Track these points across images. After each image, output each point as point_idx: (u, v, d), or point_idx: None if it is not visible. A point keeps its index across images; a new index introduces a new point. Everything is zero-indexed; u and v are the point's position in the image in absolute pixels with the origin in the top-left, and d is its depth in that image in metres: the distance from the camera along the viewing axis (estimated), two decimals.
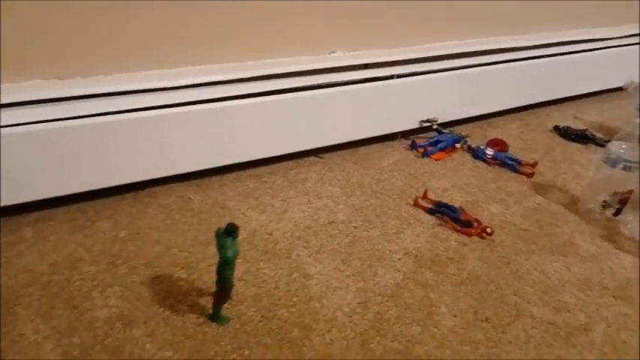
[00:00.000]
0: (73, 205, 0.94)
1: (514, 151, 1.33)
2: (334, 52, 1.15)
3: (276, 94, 1.07)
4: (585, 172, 1.31)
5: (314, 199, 1.06)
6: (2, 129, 0.81)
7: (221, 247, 0.71)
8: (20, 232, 0.87)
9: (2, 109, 0.82)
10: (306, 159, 1.19)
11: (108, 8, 0.86)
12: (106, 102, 0.90)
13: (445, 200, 1.09)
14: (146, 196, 1.00)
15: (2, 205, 0.85)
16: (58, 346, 0.69)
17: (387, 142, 1.30)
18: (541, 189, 1.21)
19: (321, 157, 1.21)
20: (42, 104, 0.84)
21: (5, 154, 0.82)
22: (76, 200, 0.94)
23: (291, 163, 1.17)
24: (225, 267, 0.71)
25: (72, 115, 0.86)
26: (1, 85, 0.82)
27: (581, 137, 1.47)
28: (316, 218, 1.01)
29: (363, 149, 1.26)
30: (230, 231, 0.70)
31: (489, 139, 1.35)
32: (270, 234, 0.95)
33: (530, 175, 1.25)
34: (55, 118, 0.85)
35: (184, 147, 1.00)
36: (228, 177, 1.10)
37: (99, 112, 0.89)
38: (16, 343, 0.69)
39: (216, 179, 1.08)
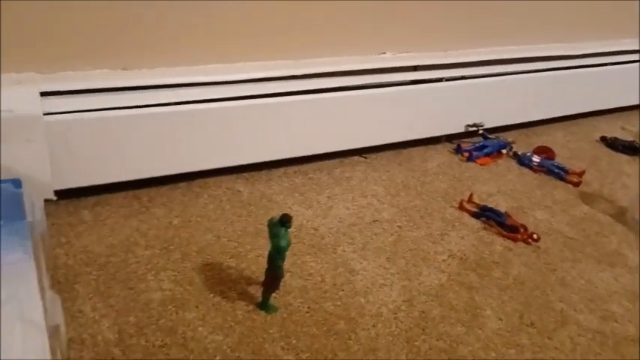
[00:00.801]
0: (128, 191, 0.97)
1: (560, 159, 1.32)
2: (384, 53, 1.16)
3: (325, 92, 1.09)
4: (633, 183, 1.29)
5: (359, 198, 1.07)
6: (67, 115, 0.85)
7: (274, 236, 0.73)
8: (79, 215, 0.90)
9: (68, 96, 0.85)
10: (351, 158, 1.21)
11: (171, 5, 0.89)
12: (166, 93, 0.93)
13: (490, 205, 1.09)
14: (197, 187, 1.03)
15: (63, 188, 0.89)
16: (115, 324, 0.72)
17: (431, 145, 1.30)
18: (588, 198, 1.20)
19: (365, 157, 1.22)
20: (108, 92, 0.88)
21: (68, 139, 0.86)
22: (131, 187, 0.98)
23: (336, 161, 1.19)
24: (277, 256, 0.73)
25: (134, 105, 0.90)
26: (69, 73, 0.86)
27: (629, 149, 1.45)
28: (361, 216, 1.02)
29: (407, 151, 1.27)
30: (284, 221, 0.72)
31: (536, 146, 1.34)
32: (316, 229, 0.97)
33: (576, 184, 1.23)
34: (118, 106, 0.89)
35: (235, 140, 1.02)
36: (275, 172, 1.12)
37: (158, 102, 0.92)
38: (75, 319, 0.72)
39: (263, 173, 1.11)
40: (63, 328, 0.59)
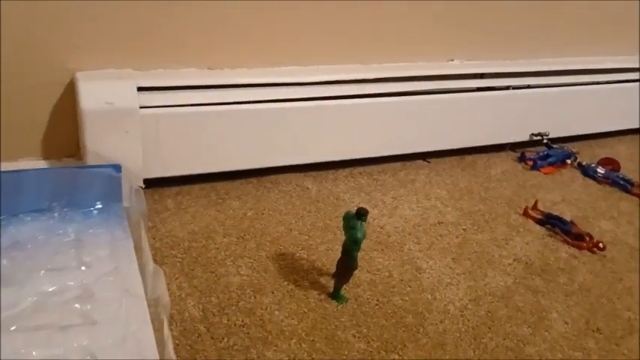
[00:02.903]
0: (206, 183, 1.03)
1: (625, 172, 1.30)
2: (452, 60, 1.19)
3: (393, 96, 1.12)
4: None
5: (423, 200, 1.10)
6: (157, 109, 0.91)
7: (351, 228, 0.76)
8: (164, 203, 0.97)
9: (158, 92, 0.92)
10: (414, 162, 1.23)
11: (252, 11, 0.95)
12: (245, 92, 0.98)
13: (555, 213, 1.09)
14: (268, 182, 1.08)
15: (150, 177, 0.95)
16: (199, 303, 0.77)
17: (494, 153, 1.32)
18: None
19: (428, 161, 1.24)
20: (194, 90, 0.94)
21: (157, 131, 0.92)
22: (208, 179, 1.04)
23: (399, 164, 1.22)
24: (353, 247, 0.77)
25: (216, 102, 0.96)
26: (161, 71, 0.93)
27: None
28: (426, 217, 1.04)
29: (470, 157, 1.28)
30: (360, 214, 0.76)
31: (600, 157, 1.33)
32: (382, 227, 1.00)
33: None
34: (202, 102, 0.95)
35: (305, 139, 1.07)
36: (341, 172, 1.16)
37: (238, 100, 0.98)
38: None
39: (330, 173, 1.15)
40: (167, 299, 0.65)
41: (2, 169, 0.88)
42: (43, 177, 0.75)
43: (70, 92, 0.89)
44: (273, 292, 0.81)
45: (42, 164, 0.91)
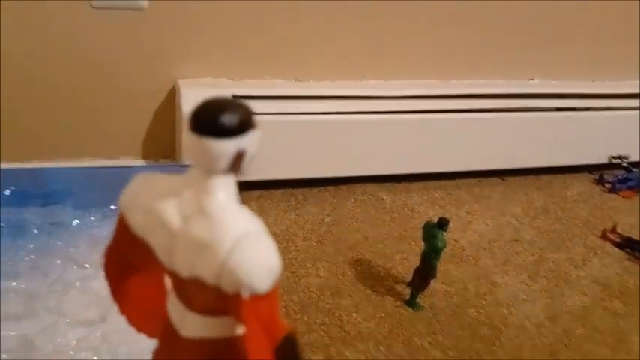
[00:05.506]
0: (285, 189, 1.08)
1: None
2: (532, 79, 1.19)
3: (472, 112, 1.14)
4: None
5: (498, 216, 1.10)
6: None
7: (432, 237, 0.79)
8: (247, 205, 1.01)
9: (249, 100, 0.98)
10: (488, 179, 1.24)
11: (337, 28, 1.00)
12: (328, 103, 1.03)
13: (635, 238, 1.07)
14: (345, 191, 1.11)
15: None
16: (281, 300, 0.81)
17: (570, 174, 1.30)
18: None
19: (503, 179, 1.24)
20: (281, 100, 0.99)
21: None
22: (287, 185, 1.08)
23: (474, 180, 1.22)
24: (433, 256, 0.79)
25: (300, 111, 1.01)
26: (253, 81, 0.99)
27: None
28: (501, 233, 1.05)
29: (546, 177, 1.27)
30: (442, 224, 0.78)
31: None
32: (456, 241, 1.01)
33: None
34: (287, 112, 1.00)
35: (382, 151, 1.10)
36: (415, 185, 1.18)
37: (321, 111, 1.02)
38: None
39: (404, 185, 1.17)
40: None
41: (106, 166, 0.96)
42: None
43: (170, 98, 0.96)
44: (350, 295, 0.84)
45: (141, 164, 0.99)
